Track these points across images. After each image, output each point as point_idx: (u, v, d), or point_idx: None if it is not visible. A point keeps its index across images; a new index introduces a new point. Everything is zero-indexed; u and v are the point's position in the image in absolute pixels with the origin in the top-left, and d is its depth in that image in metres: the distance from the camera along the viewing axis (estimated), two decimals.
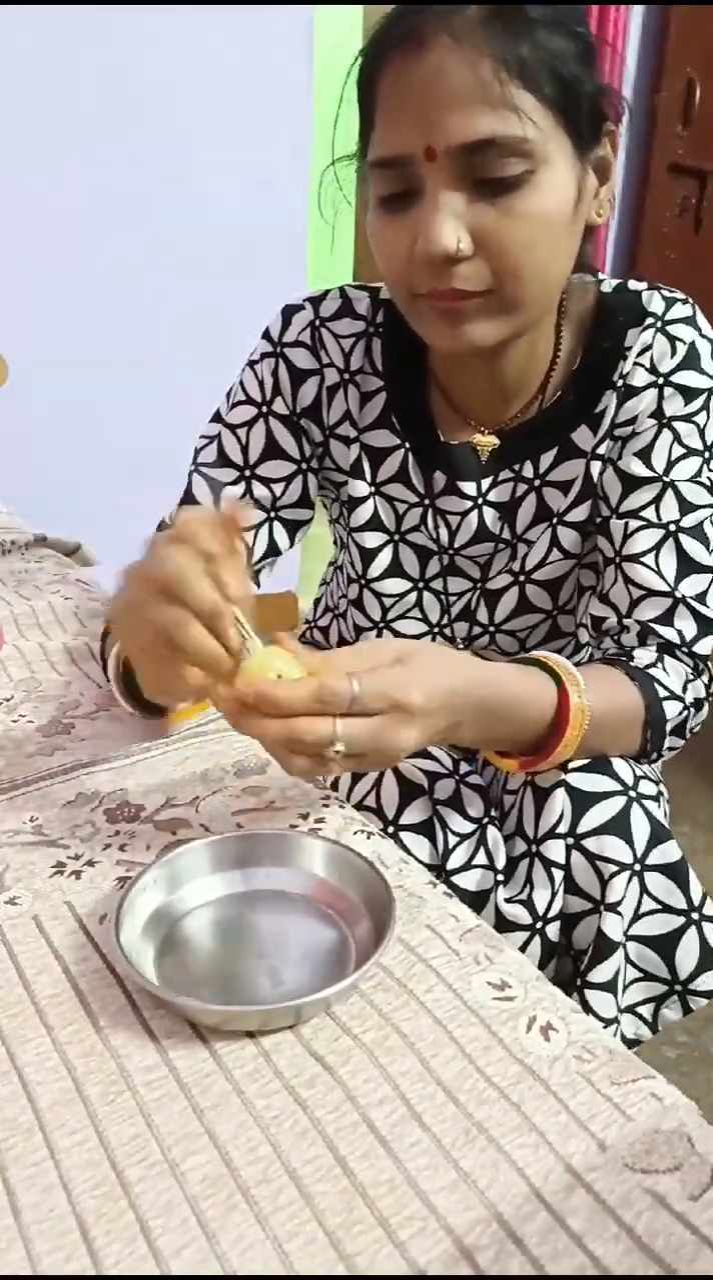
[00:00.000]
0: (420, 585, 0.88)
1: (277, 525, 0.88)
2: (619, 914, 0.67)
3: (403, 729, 0.56)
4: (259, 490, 0.86)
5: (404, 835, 0.74)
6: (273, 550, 0.89)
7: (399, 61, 0.66)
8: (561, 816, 0.69)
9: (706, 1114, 0.47)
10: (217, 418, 0.88)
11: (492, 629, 0.88)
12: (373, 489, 0.87)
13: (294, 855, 0.62)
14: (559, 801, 0.70)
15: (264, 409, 0.86)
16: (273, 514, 0.87)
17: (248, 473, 0.86)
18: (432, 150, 0.65)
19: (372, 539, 0.88)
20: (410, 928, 0.58)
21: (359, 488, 0.87)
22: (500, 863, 0.73)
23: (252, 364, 0.87)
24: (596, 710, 0.67)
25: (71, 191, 1.88)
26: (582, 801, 0.70)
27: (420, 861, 0.69)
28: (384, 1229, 0.41)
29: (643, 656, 0.76)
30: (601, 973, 0.68)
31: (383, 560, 0.88)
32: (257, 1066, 0.48)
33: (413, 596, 0.88)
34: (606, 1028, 0.68)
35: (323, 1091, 0.47)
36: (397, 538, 0.88)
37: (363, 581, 0.89)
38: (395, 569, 0.88)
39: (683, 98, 2.71)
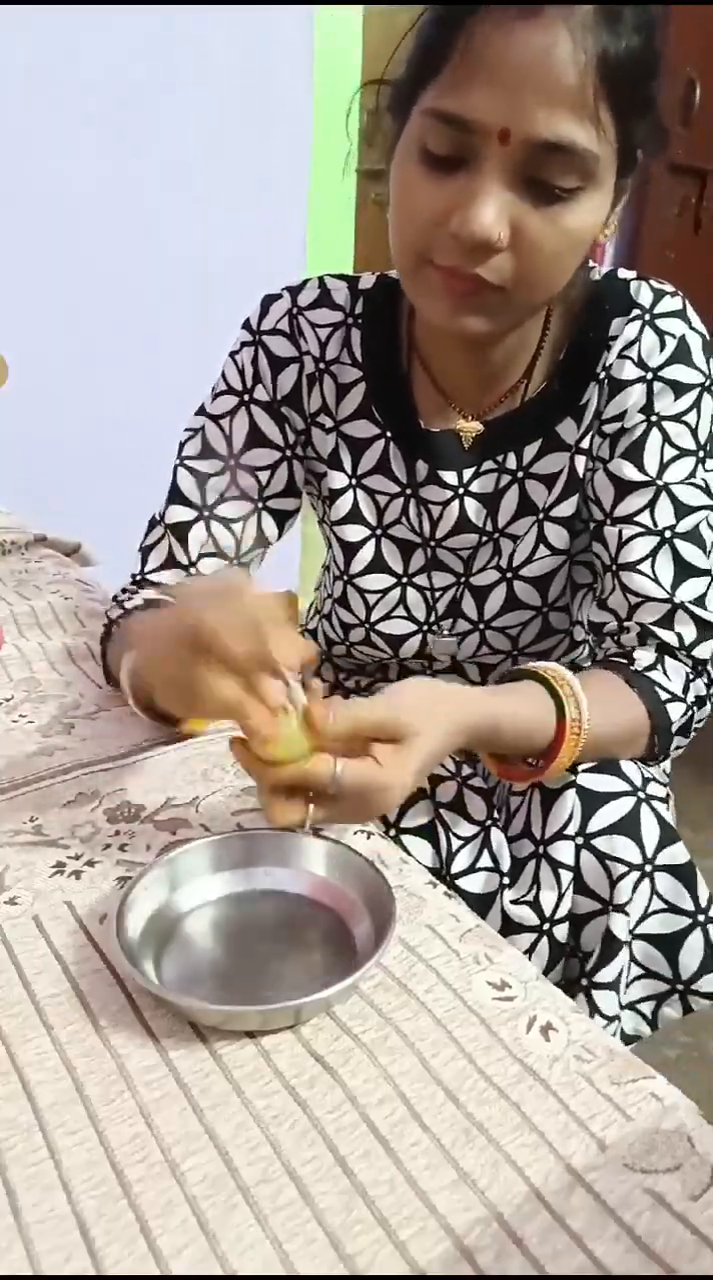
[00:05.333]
0: (404, 580, 0.88)
1: (264, 515, 0.88)
2: (627, 914, 0.67)
3: (375, 808, 0.58)
4: (245, 480, 0.86)
5: (405, 838, 0.74)
6: (262, 541, 0.88)
7: (503, 20, 0.60)
8: (570, 818, 0.69)
9: (706, 1114, 0.47)
10: (201, 411, 0.88)
11: (481, 626, 0.88)
12: (353, 480, 0.86)
13: (294, 855, 0.61)
14: (569, 802, 0.70)
15: (245, 397, 0.86)
16: (260, 504, 0.87)
17: (233, 462, 0.85)
18: (507, 134, 0.62)
19: (353, 532, 0.87)
20: (410, 928, 0.58)
21: (338, 479, 0.86)
22: (505, 865, 0.73)
23: (232, 354, 0.87)
24: (599, 724, 0.67)
25: (71, 191, 1.88)
26: (591, 801, 0.69)
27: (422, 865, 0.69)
28: (384, 1229, 0.41)
29: (643, 658, 0.75)
30: (607, 973, 0.68)
31: (365, 555, 0.87)
32: (257, 1066, 0.48)
33: (397, 593, 0.88)
34: (608, 1025, 0.68)
35: (323, 1091, 0.47)
36: (379, 532, 0.87)
37: (346, 578, 0.88)
38: (378, 564, 0.87)
39: (683, 98, 2.71)
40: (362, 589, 0.88)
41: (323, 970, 0.54)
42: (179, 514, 0.85)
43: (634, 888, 0.67)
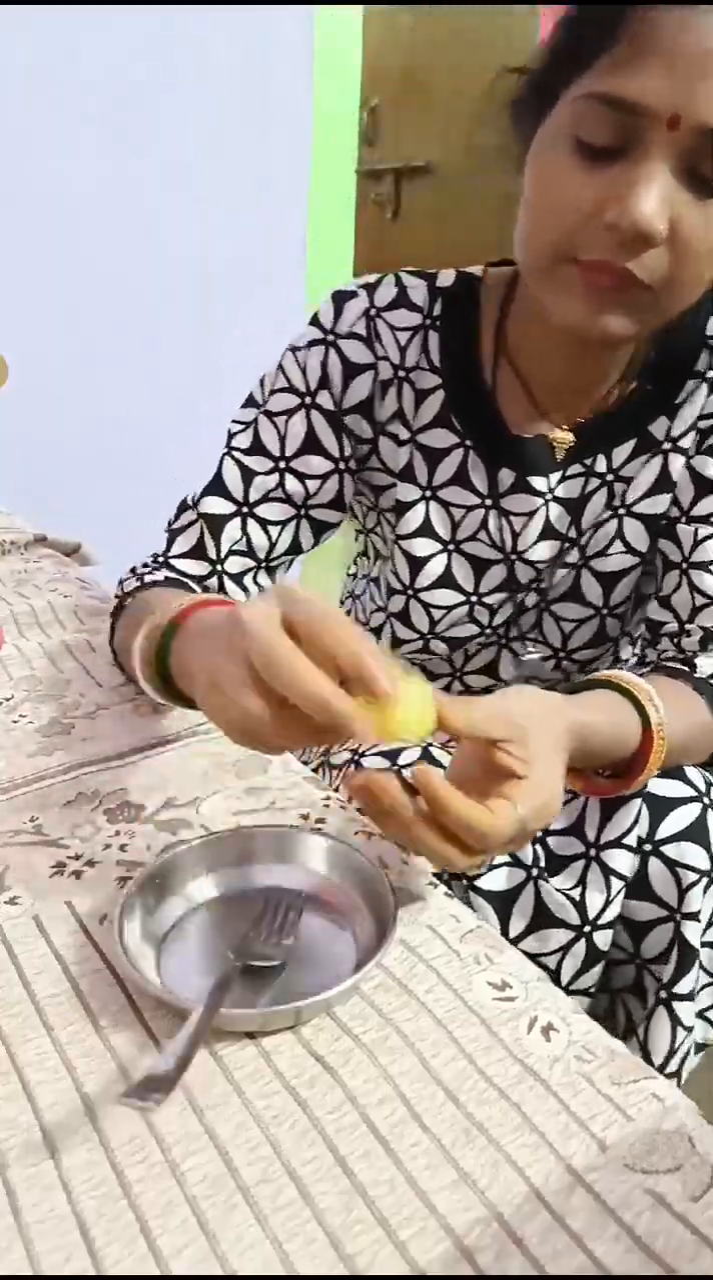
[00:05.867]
0: (473, 599, 0.84)
1: (303, 523, 0.84)
2: (699, 921, 0.67)
3: (544, 825, 0.56)
4: (292, 484, 0.82)
5: None
6: (295, 548, 0.85)
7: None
8: (633, 826, 0.68)
9: (706, 1114, 0.47)
10: (251, 402, 0.83)
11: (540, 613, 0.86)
12: (427, 493, 0.82)
13: (295, 853, 0.61)
14: (633, 810, 0.69)
15: (307, 400, 0.81)
16: (302, 511, 0.83)
17: (283, 464, 0.82)
18: (677, 119, 0.58)
19: (422, 546, 0.83)
20: (411, 928, 0.58)
21: (410, 492, 0.82)
22: (529, 858, 0.72)
23: (295, 350, 0.82)
24: (674, 733, 0.66)
25: (71, 191, 1.88)
26: (659, 807, 0.69)
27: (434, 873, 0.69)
28: (384, 1229, 0.41)
29: (705, 665, 0.75)
30: (686, 983, 0.67)
31: (434, 570, 0.83)
32: (257, 1067, 0.48)
33: (465, 609, 0.84)
34: (688, 1035, 0.68)
35: (323, 1092, 0.47)
36: (451, 546, 0.83)
37: (410, 593, 0.84)
38: (447, 579, 0.83)
39: None
40: (428, 604, 0.84)
41: (323, 970, 0.54)
42: (216, 505, 0.81)
43: (704, 895, 0.67)
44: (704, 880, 0.67)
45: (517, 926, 0.71)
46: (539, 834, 0.74)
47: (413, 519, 0.83)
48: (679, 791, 0.69)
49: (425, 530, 0.83)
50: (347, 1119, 0.46)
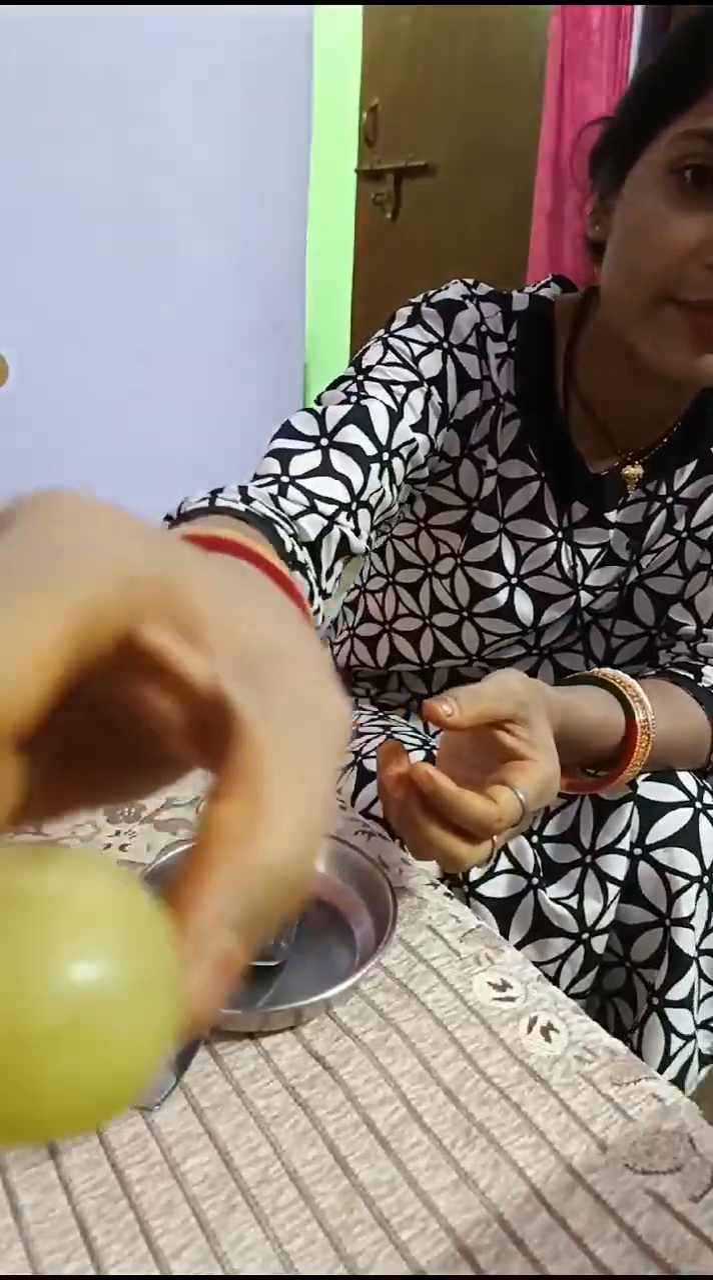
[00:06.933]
0: (530, 629, 0.82)
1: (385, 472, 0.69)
2: (692, 928, 0.67)
3: (546, 803, 0.56)
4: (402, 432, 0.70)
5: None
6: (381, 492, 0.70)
7: None
8: (625, 830, 0.68)
9: (706, 1114, 0.47)
10: (372, 379, 0.70)
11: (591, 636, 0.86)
12: (501, 526, 0.80)
13: None
14: (626, 815, 0.68)
15: (424, 388, 0.72)
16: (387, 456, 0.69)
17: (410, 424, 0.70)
18: None
19: (490, 579, 0.81)
20: (411, 928, 0.58)
21: (488, 524, 0.79)
22: (530, 865, 0.72)
23: (407, 341, 0.73)
24: (662, 733, 0.66)
25: (71, 191, 1.88)
26: (650, 812, 0.69)
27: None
28: (385, 1229, 0.41)
29: (711, 674, 0.74)
30: (678, 989, 0.67)
31: (495, 601, 0.81)
32: (257, 1067, 0.48)
33: (518, 635, 0.83)
34: (685, 1044, 0.68)
35: (323, 1092, 0.47)
36: (515, 580, 0.81)
37: (466, 614, 0.83)
38: (507, 612, 0.82)
39: None
40: (483, 629, 0.83)
41: (324, 970, 0.54)
42: (356, 438, 0.67)
43: (696, 900, 0.66)
44: (696, 886, 0.67)
45: (516, 936, 0.71)
46: (537, 841, 0.74)
47: (486, 549, 0.80)
48: (672, 796, 0.69)
49: (496, 563, 0.81)
50: (347, 1119, 0.46)
